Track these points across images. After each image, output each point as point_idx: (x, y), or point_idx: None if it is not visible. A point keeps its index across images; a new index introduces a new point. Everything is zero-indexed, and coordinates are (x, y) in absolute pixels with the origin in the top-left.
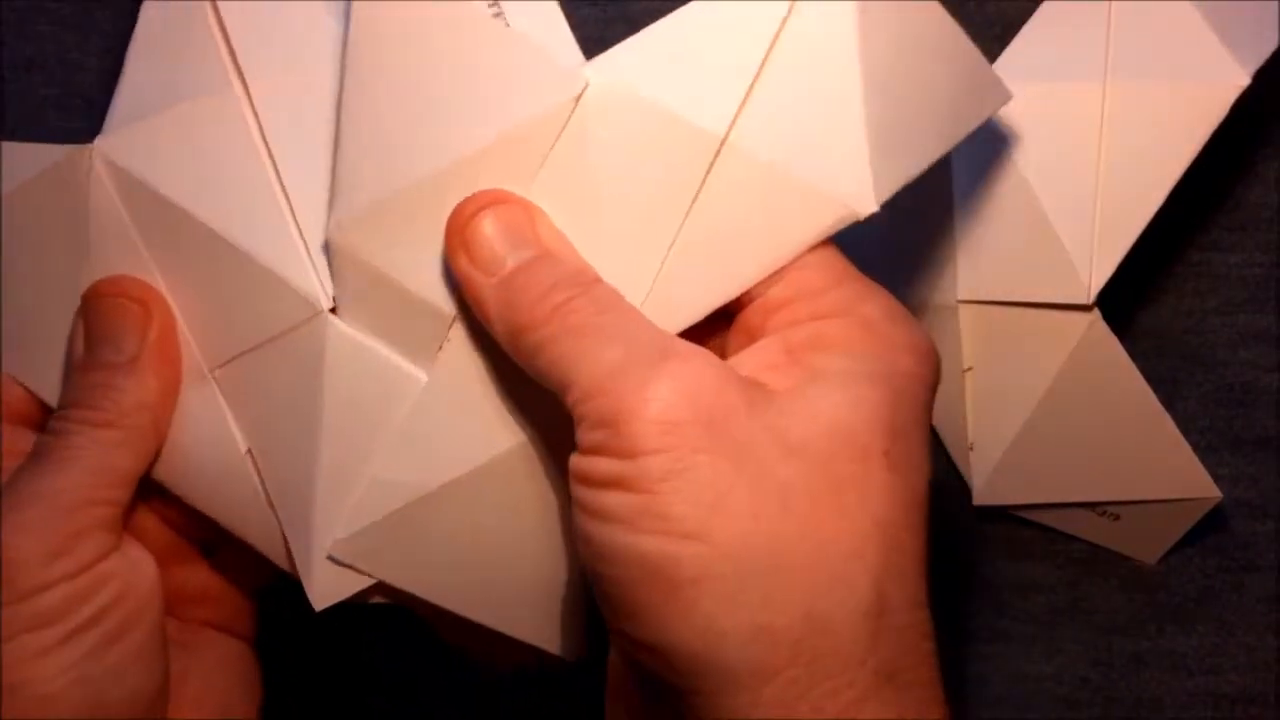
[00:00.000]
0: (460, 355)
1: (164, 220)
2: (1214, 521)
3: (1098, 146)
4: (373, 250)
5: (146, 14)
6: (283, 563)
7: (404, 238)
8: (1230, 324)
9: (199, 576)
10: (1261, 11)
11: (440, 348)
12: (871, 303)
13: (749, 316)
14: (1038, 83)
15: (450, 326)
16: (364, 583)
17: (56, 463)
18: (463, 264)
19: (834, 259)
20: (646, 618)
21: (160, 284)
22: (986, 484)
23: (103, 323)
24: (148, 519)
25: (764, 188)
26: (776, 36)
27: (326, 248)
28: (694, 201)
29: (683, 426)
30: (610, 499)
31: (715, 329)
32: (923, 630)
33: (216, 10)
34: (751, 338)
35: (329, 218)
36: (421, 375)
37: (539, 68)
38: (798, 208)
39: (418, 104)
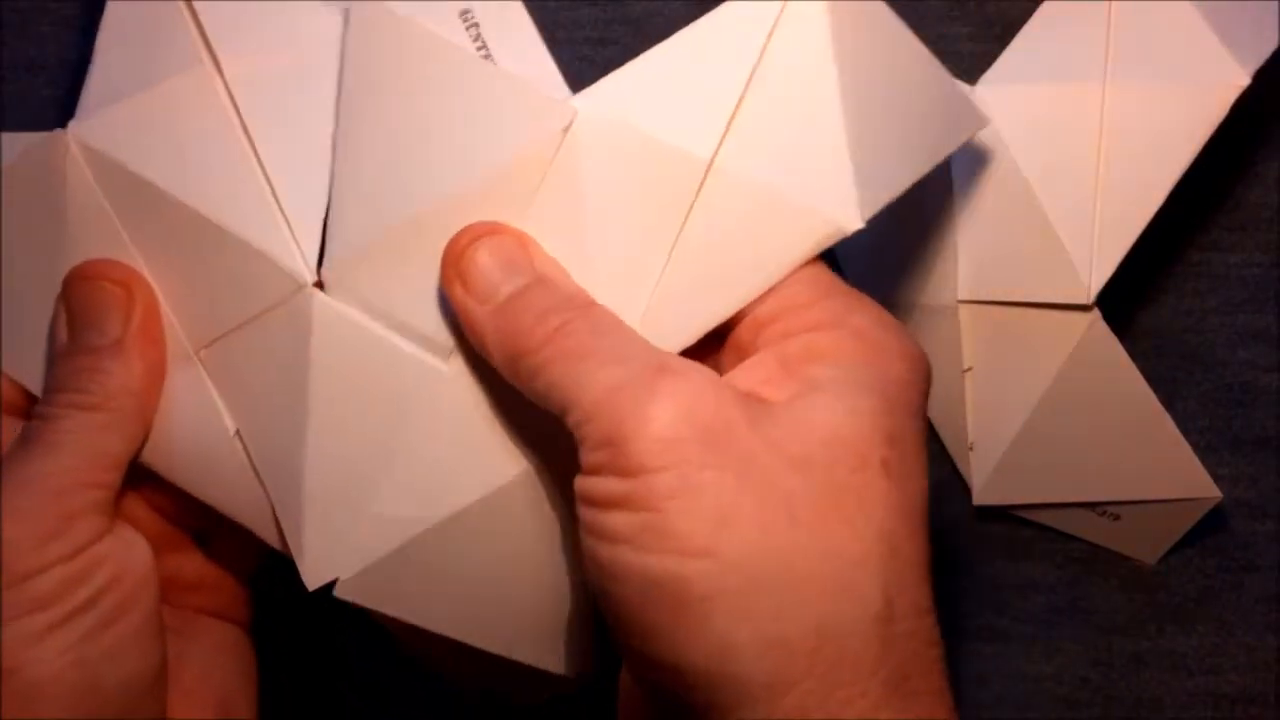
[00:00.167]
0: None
1: (142, 201)
2: (1214, 521)
3: (1098, 146)
4: (369, 288)
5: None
6: (275, 542)
7: (400, 274)
8: (1230, 324)
9: (193, 564)
10: (1261, 11)
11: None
12: (861, 313)
13: (740, 334)
14: (1038, 83)
15: (448, 359)
16: (356, 565)
17: (46, 447)
18: (459, 293)
19: (820, 272)
20: (658, 636)
21: (141, 266)
22: (986, 484)
23: (85, 307)
24: (139, 508)
25: (752, 208)
26: (758, 63)
27: (322, 287)
28: (684, 225)
29: (685, 443)
30: (617, 519)
31: (708, 349)
32: (929, 637)
33: None
34: (743, 354)
35: (324, 259)
36: (409, 348)
37: (527, 101)
38: (786, 227)
39: (410, 143)
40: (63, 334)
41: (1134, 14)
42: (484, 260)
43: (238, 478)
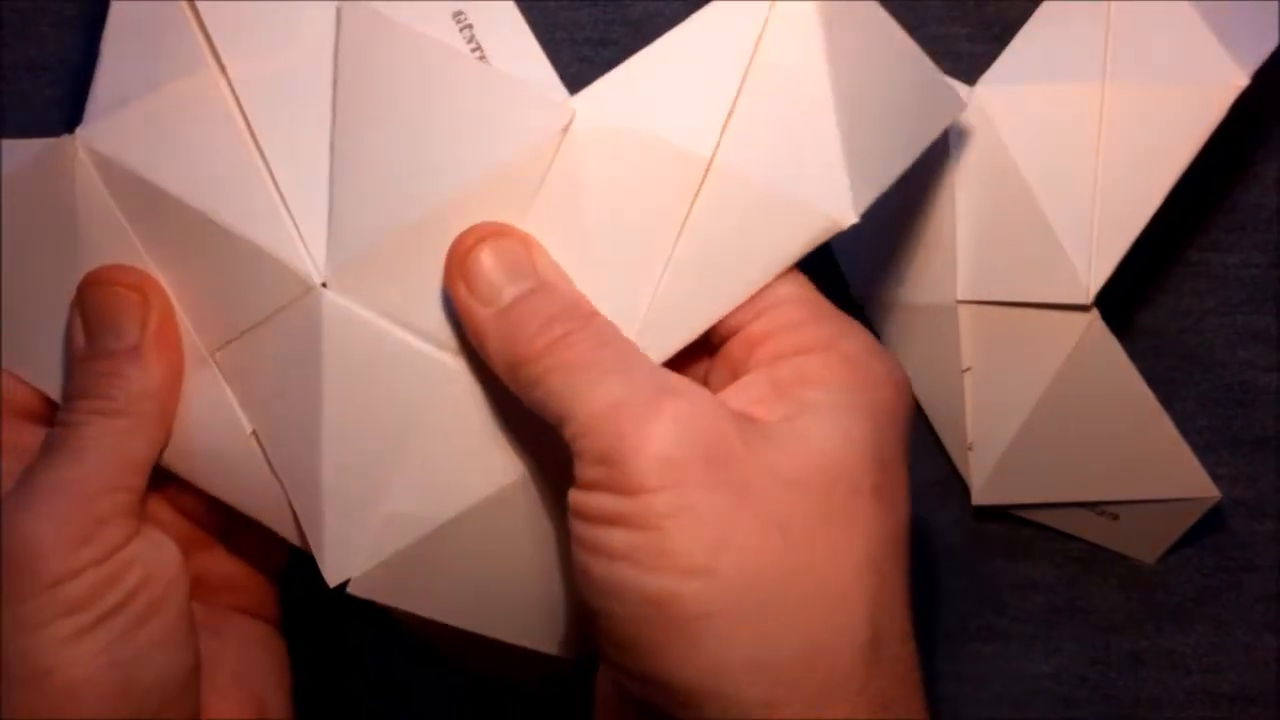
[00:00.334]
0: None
1: (151, 205)
2: (1212, 521)
3: (1097, 147)
4: (373, 290)
5: (118, 2)
6: (295, 539)
7: (402, 277)
8: (1229, 324)
9: (220, 563)
10: (1260, 12)
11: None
12: (850, 338)
13: (732, 349)
14: (1037, 83)
15: (453, 358)
16: (371, 562)
17: (72, 453)
18: (462, 294)
19: (810, 293)
20: (649, 653)
21: (153, 270)
22: (986, 483)
23: (101, 312)
24: (163, 510)
25: (751, 205)
26: (751, 60)
27: (326, 289)
28: (685, 222)
29: (684, 463)
30: (612, 535)
31: (698, 358)
32: (911, 662)
33: None
34: (735, 370)
35: (326, 264)
36: (419, 344)
37: (525, 103)
38: (784, 222)
39: (408, 146)
40: (79, 340)
41: (1133, 14)
42: (488, 262)
43: (256, 477)
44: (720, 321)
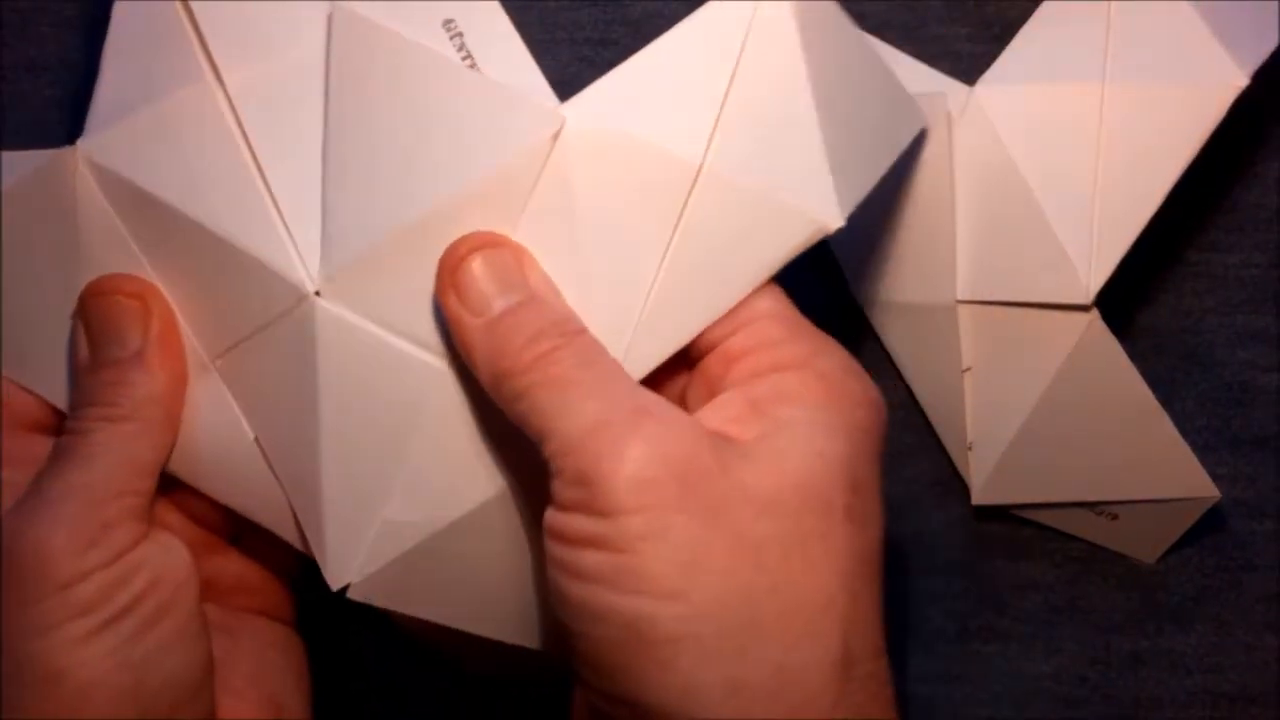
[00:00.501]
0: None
1: (151, 216)
2: (1212, 521)
3: (1096, 147)
4: (364, 298)
5: (119, 12)
6: (298, 544)
7: (395, 284)
8: (1228, 324)
9: (232, 566)
10: (1260, 12)
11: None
12: (826, 357)
13: (710, 365)
14: (1036, 83)
15: (444, 364)
16: (370, 567)
17: (81, 459)
18: (452, 303)
19: (787, 310)
20: (623, 675)
21: (154, 279)
22: (985, 483)
23: (103, 321)
24: (172, 515)
25: (740, 209)
26: (737, 65)
27: (319, 297)
28: (676, 227)
29: (659, 485)
30: (587, 558)
31: (676, 373)
32: (883, 678)
33: (186, 6)
34: (712, 386)
35: (319, 272)
36: (411, 350)
37: (516, 109)
38: (772, 226)
39: (399, 153)
40: (83, 349)
41: (1133, 14)
42: (479, 272)
43: (260, 483)
44: (699, 336)
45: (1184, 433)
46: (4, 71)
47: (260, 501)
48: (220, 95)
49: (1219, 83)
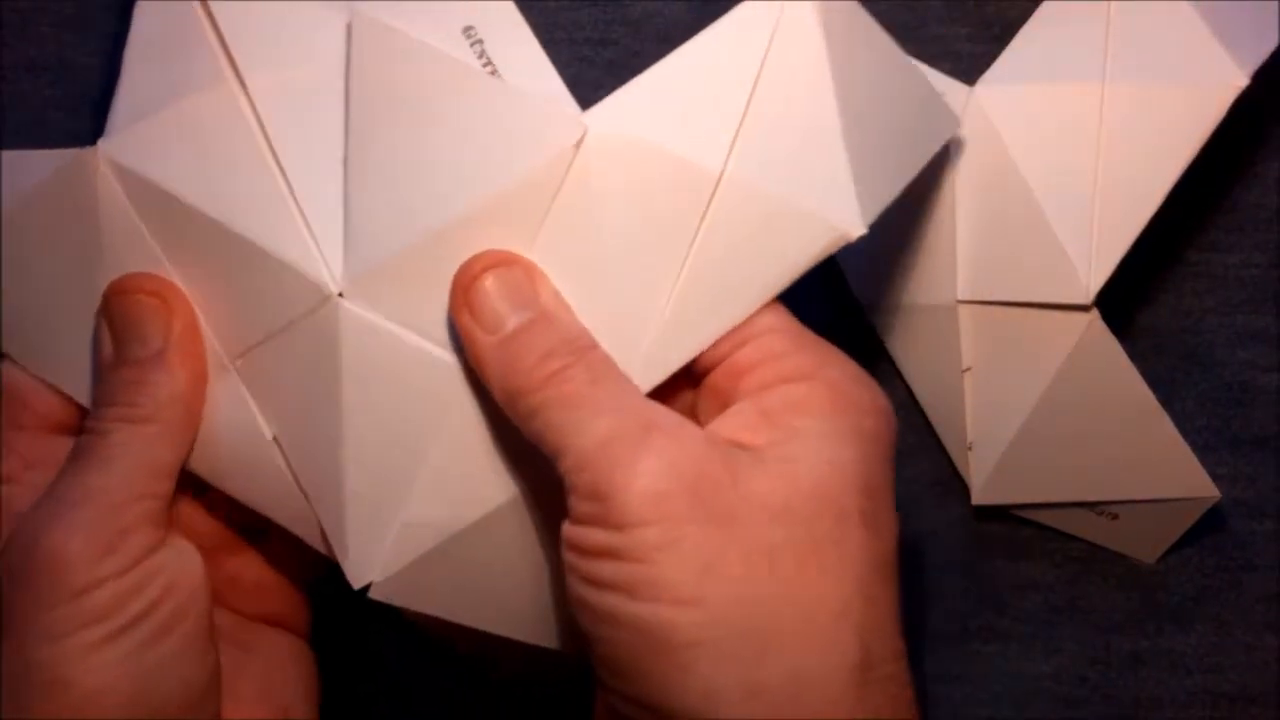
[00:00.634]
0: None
1: (172, 216)
2: (1212, 521)
3: (1096, 147)
4: (388, 301)
5: (140, 13)
6: (318, 544)
7: (418, 288)
8: (1228, 324)
9: (252, 567)
10: (1260, 12)
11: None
12: (834, 367)
13: (717, 380)
14: (1037, 83)
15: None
16: (391, 568)
17: (100, 461)
18: (466, 321)
19: (791, 324)
20: (644, 679)
21: (175, 279)
22: (985, 483)
23: (125, 320)
24: (195, 512)
25: (761, 217)
26: (759, 74)
27: (343, 298)
28: (697, 234)
29: (671, 497)
30: (605, 568)
31: (681, 390)
32: (902, 680)
33: (207, 8)
34: (722, 400)
35: (343, 274)
36: (435, 349)
37: (539, 117)
38: (793, 234)
39: (423, 159)
40: (107, 348)
41: (1133, 14)
42: (492, 290)
43: (279, 483)
44: (704, 353)
45: (1184, 433)
46: (4, 71)
47: (279, 501)
48: (242, 97)
49: (1219, 83)
